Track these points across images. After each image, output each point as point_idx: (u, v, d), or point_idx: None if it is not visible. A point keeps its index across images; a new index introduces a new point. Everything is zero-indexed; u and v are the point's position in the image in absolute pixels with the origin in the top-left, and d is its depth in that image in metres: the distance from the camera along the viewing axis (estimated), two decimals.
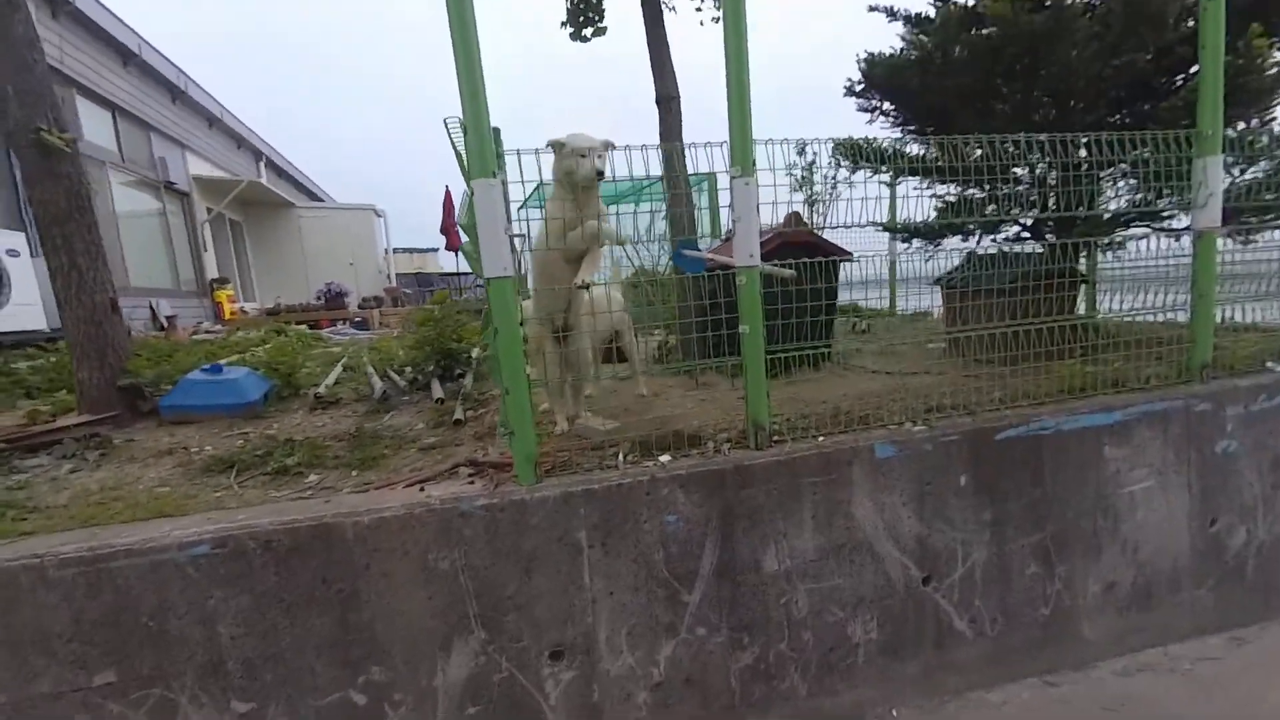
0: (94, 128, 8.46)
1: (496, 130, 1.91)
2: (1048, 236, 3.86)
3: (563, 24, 5.39)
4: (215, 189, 11.99)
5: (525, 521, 1.99)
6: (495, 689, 2.01)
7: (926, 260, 4.13)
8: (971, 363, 3.33)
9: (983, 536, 2.39)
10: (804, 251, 2.88)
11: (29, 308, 5.59)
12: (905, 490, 2.29)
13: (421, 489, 2.06)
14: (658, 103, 4.04)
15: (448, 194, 14.61)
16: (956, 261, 3.79)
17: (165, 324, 7.84)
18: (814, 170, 4.63)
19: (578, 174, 2.26)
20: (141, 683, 1.79)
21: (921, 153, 3.91)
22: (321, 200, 18.82)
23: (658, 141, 2.20)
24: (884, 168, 3.60)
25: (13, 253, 5.50)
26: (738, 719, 2.20)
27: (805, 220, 3.65)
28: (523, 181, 1.98)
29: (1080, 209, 2.97)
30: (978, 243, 4.02)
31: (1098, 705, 2.29)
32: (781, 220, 3.67)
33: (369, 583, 1.90)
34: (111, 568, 1.76)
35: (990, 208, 3.92)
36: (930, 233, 4.00)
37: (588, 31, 5.39)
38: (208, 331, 8.85)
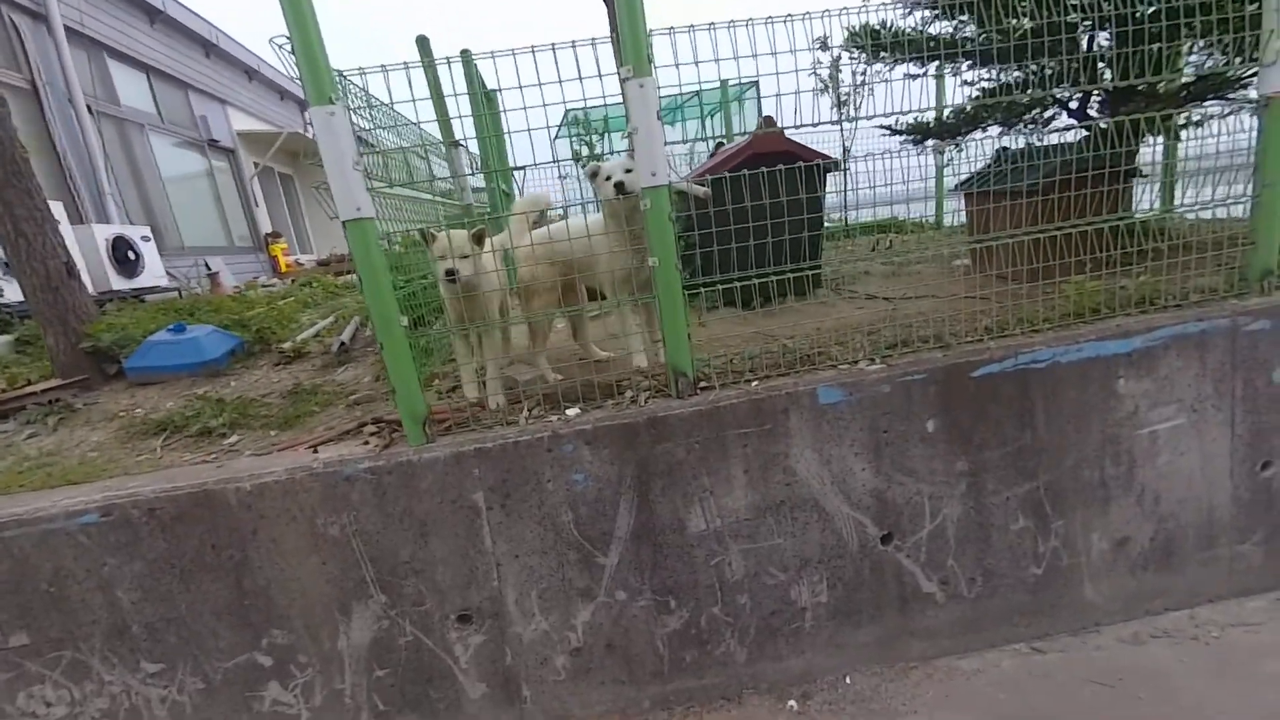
0: (130, 91, 8.70)
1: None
2: (1095, 119, 3.20)
3: None
4: (261, 142, 12.24)
5: (415, 485, 1.86)
6: (402, 652, 1.95)
7: (946, 163, 3.60)
8: (994, 280, 2.87)
9: (956, 489, 2.07)
10: (780, 161, 2.48)
11: None
12: (857, 440, 1.99)
13: (315, 451, 1.96)
14: None
15: None
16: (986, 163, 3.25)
17: (210, 281, 8.21)
18: (838, 65, 4.06)
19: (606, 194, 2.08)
20: (53, 645, 1.83)
21: (950, 32, 3.31)
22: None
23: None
24: (906, 54, 3.07)
25: (145, 238, 5.81)
26: (668, 684, 2.06)
27: (776, 123, 3.17)
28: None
29: (1146, 76, 2.36)
30: (1005, 135, 3.41)
31: (1088, 677, 1.99)
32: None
33: (258, 549, 1.84)
34: (5, 537, 1.77)
35: (1029, 93, 3.30)
36: (948, 129, 3.43)
37: None
38: (263, 286, 9.24)
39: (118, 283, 6.65)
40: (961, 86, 3.60)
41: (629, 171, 2.04)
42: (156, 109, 9.35)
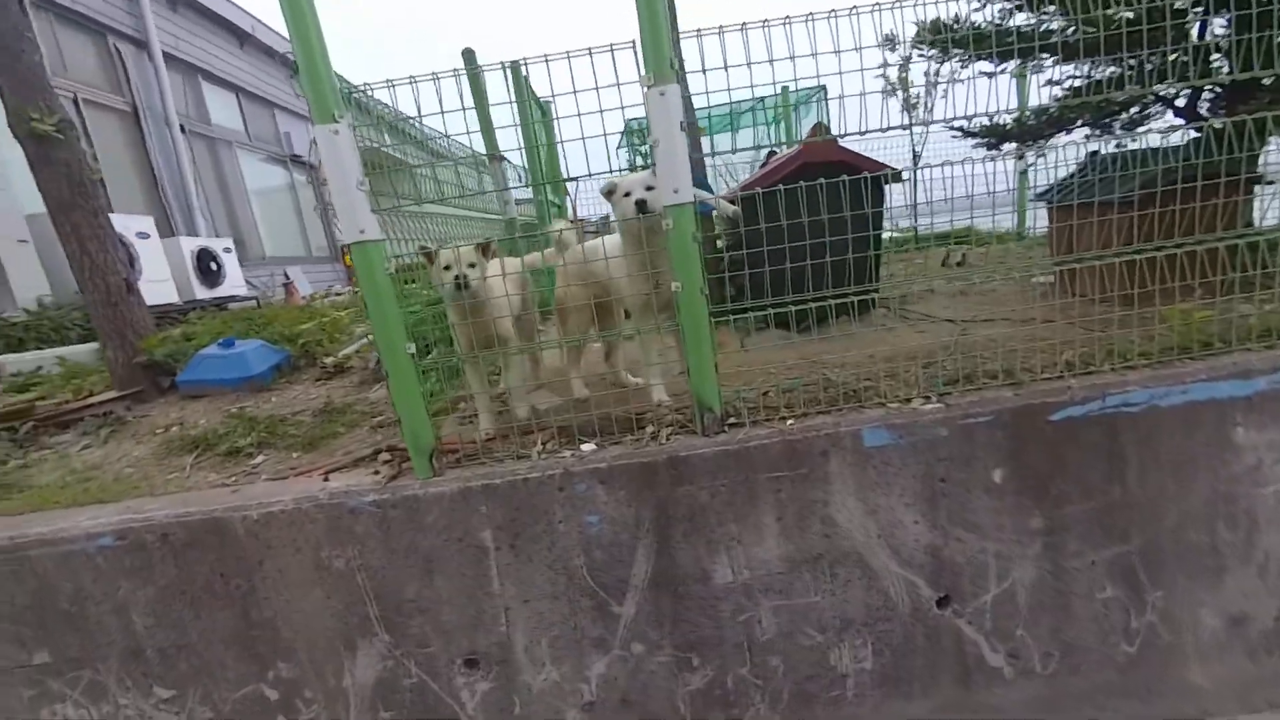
0: (220, 111, 9.30)
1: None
2: (1208, 119, 2.78)
3: None
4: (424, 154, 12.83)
5: (420, 520, 1.76)
6: (407, 694, 1.85)
7: (1024, 169, 3.27)
8: (1080, 305, 2.53)
9: (1029, 549, 1.78)
10: (832, 172, 2.25)
11: (162, 283, 6.36)
12: (909, 489, 1.75)
13: (326, 479, 1.90)
14: None
15: None
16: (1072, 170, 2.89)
17: (285, 290, 8.63)
18: (907, 64, 3.76)
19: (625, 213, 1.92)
20: (72, 664, 1.85)
21: (1032, 24, 2.98)
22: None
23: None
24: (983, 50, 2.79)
25: (142, 234, 6.22)
26: None
27: (828, 131, 2.93)
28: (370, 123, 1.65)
29: (1274, 66, 1.99)
30: (1095, 138, 3.02)
31: None
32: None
33: (265, 580, 1.79)
34: (31, 555, 1.80)
35: (1126, 90, 2.91)
36: (1029, 131, 3.07)
37: None
38: (336, 294, 9.65)
39: (200, 292, 7.07)
40: (1045, 86, 3.25)
41: (650, 189, 1.88)
42: (244, 127, 9.96)
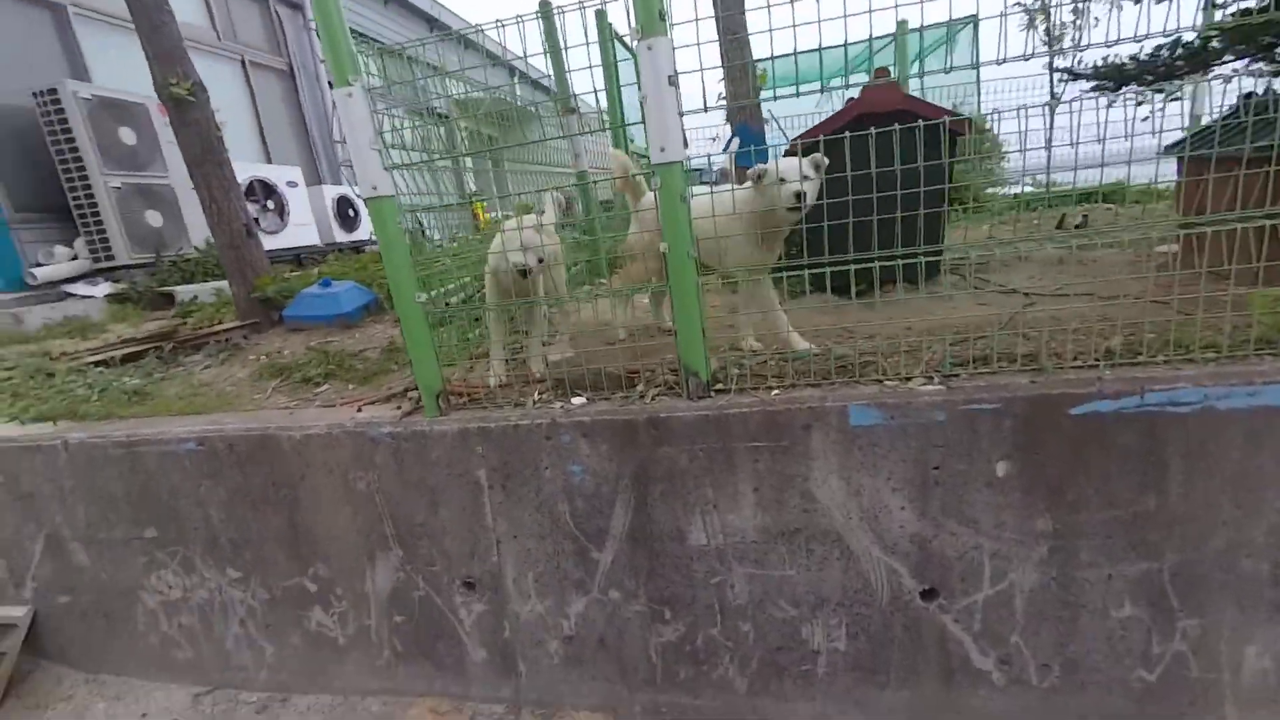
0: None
1: (360, 33, 1.70)
2: None
3: None
4: (472, 107, 13.56)
5: (426, 454, 1.95)
6: (416, 605, 2.09)
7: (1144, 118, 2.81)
8: (1208, 279, 2.16)
9: (1032, 552, 1.63)
10: (893, 121, 2.07)
11: (305, 227, 7.21)
12: (897, 473, 1.65)
13: (359, 410, 2.14)
14: None
15: None
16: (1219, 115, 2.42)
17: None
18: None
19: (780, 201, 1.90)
20: (171, 541, 2.28)
21: None
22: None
23: None
24: None
25: (291, 184, 7.05)
26: (660, 694, 1.96)
27: (893, 78, 2.63)
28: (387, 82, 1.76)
29: None
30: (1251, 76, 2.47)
31: None
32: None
33: (305, 492, 2.09)
34: (141, 452, 2.22)
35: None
36: (1161, 70, 2.57)
37: None
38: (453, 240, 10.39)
39: (340, 235, 7.91)
40: (1204, 10, 2.69)
41: (808, 179, 1.87)
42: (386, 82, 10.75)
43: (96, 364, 3.07)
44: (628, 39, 4.52)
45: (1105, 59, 2.53)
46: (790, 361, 1.84)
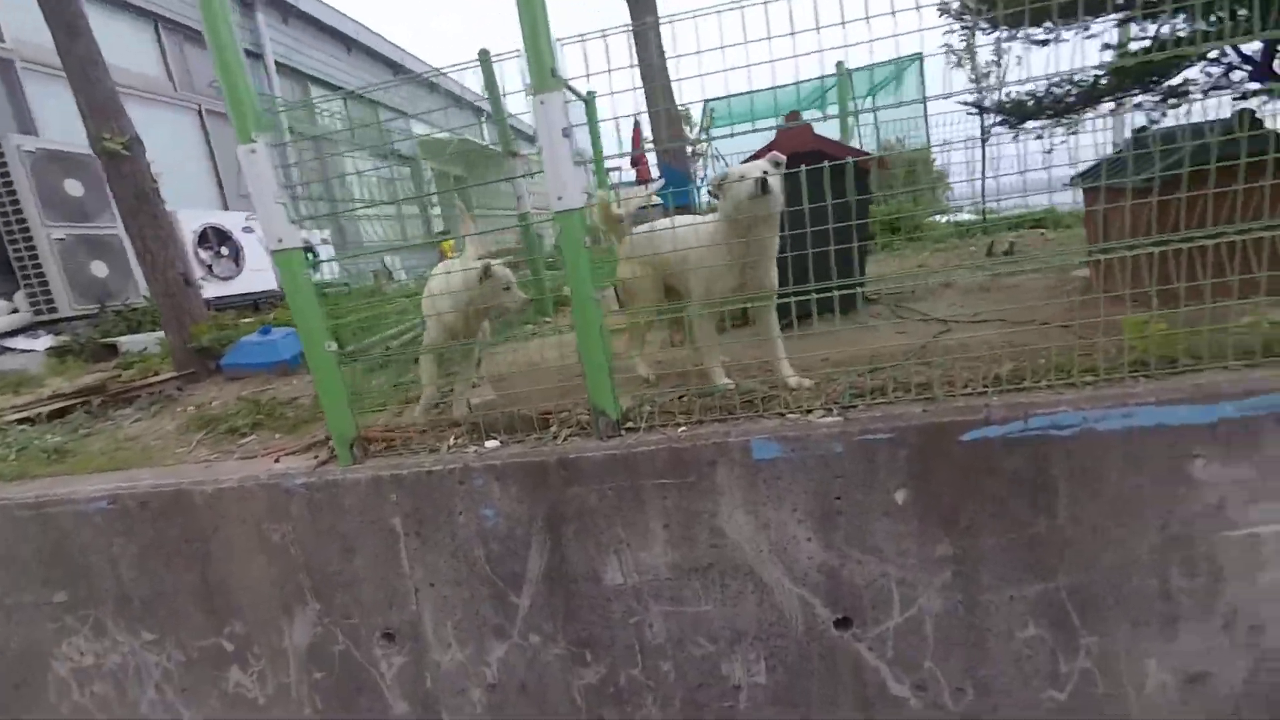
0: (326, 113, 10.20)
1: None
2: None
3: None
4: (437, 149, 13.72)
5: (340, 503, 1.92)
6: (336, 659, 2.04)
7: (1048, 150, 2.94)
8: (1110, 303, 2.23)
9: (936, 578, 1.65)
10: (806, 162, 2.15)
11: (261, 272, 7.17)
12: (801, 505, 1.67)
13: (277, 460, 2.11)
14: None
15: (636, 127, 14.69)
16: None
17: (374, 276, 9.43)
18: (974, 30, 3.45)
19: (742, 199, 1.84)
20: (82, 604, 2.19)
21: None
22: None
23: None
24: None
25: (247, 229, 7.03)
26: None
27: (803, 118, 2.74)
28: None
29: None
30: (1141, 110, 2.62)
31: None
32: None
33: (218, 546, 2.04)
34: (52, 513, 2.15)
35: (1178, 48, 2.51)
36: (1062, 105, 2.72)
37: None
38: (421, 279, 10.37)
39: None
40: (1102, 51, 2.87)
41: (768, 174, 1.83)
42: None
43: (20, 421, 2.99)
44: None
45: (1009, 95, 2.67)
46: (697, 398, 1.87)
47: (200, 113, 7.51)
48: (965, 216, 4.89)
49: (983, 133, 4.16)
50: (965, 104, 2.91)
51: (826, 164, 1.79)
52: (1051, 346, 1.70)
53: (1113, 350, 1.66)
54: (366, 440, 2.00)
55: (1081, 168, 2.66)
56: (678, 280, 2.18)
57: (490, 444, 1.90)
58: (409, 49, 12.79)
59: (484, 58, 3.76)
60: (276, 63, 8.69)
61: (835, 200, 1.92)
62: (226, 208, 7.70)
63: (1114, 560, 1.57)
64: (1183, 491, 1.52)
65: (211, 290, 7.57)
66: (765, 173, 1.81)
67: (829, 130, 5.89)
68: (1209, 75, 2.62)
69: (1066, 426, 1.53)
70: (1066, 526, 1.57)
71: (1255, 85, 2.44)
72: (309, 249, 6.48)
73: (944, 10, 3.23)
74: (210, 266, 7.14)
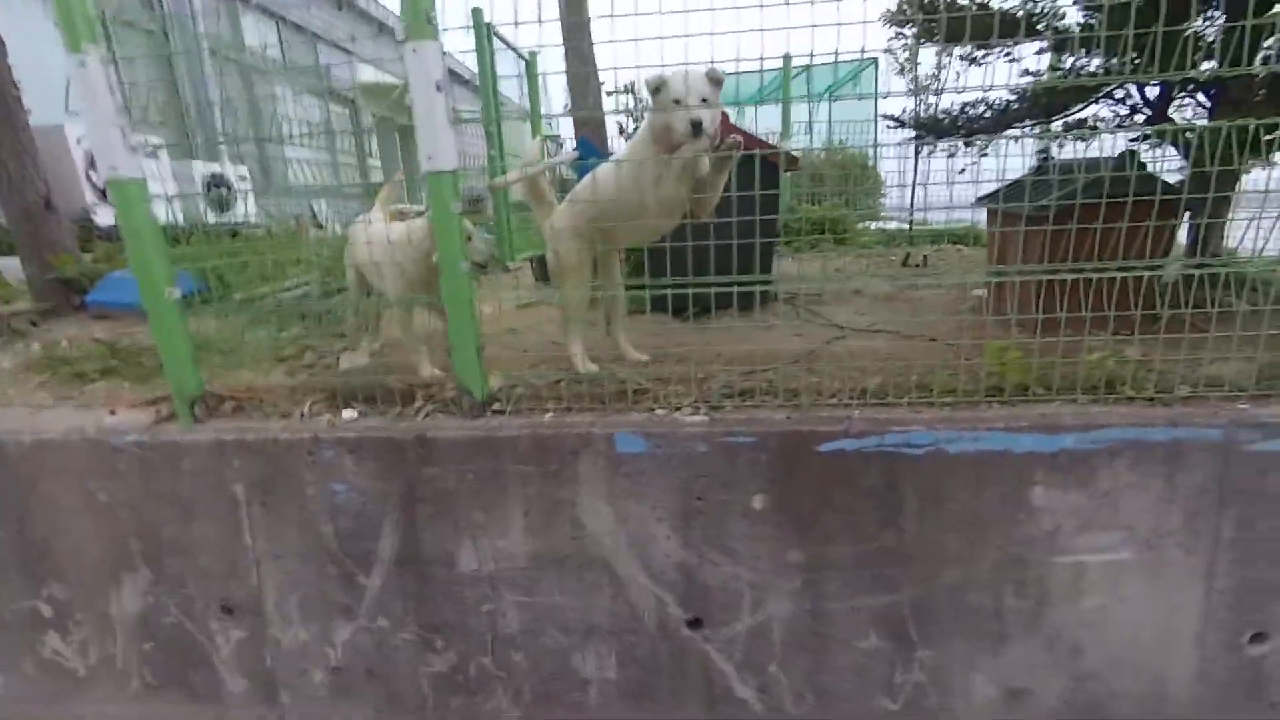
0: (256, 39, 9.48)
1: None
2: (1183, 125, 2.41)
3: None
4: (381, 95, 12.99)
5: (178, 465, 1.77)
6: (167, 631, 1.90)
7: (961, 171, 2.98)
8: (999, 326, 2.28)
9: (787, 584, 1.66)
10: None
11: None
12: (661, 502, 1.64)
13: (112, 413, 1.93)
14: None
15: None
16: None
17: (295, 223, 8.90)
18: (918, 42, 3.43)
19: (676, 130, 1.67)
20: None
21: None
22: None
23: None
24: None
25: (152, 154, 6.47)
26: None
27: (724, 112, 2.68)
28: None
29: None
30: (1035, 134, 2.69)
31: None
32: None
33: (39, 502, 1.85)
34: None
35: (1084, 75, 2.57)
36: (973, 126, 2.76)
37: None
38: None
39: (210, 217, 7.33)
40: (1023, 77, 2.91)
41: (706, 102, 1.65)
42: (281, 56, 10.13)
43: None
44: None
45: (924, 111, 2.69)
46: (568, 384, 1.80)
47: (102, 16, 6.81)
48: (894, 225, 4.97)
49: (916, 143, 4.22)
50: (886, 116, 2.90)
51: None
52: (918, 364, 1.72)
53: (975, 374, 1.68)
54: (219, 399, 1.84)
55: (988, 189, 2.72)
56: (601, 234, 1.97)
57: (348, 414, 1.78)
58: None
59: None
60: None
61: (739, 193, 1.88)
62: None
63: (954, 578, 1.61)
64: (1022, 516, 1.56)
65: (107, 218, 6.96)
66: (703, 99, 1.67)
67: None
68: (1115, 114, 2.71)
69: (919, 445, 1.54)
70: (912, 542, 1.60)
71: (1148, 129, 2.53)
72: (220, 183, 6.13)
73: (892, 21, 3.22)
74: (104, 192, 6.54)
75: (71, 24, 1.49)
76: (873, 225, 5.60)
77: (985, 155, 2.81)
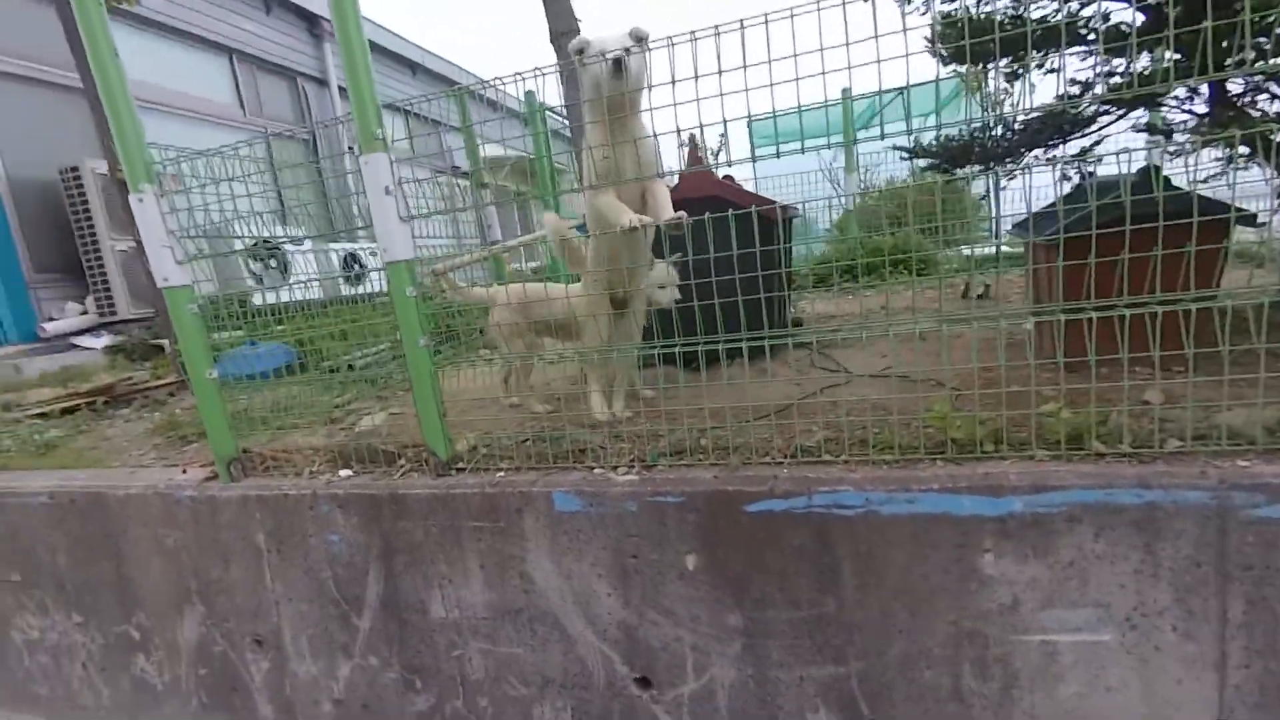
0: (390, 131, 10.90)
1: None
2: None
3: None
4: (497, 166, 14.35)
5: (218, 517, 2.10)
6: (216, 658, 2.22)
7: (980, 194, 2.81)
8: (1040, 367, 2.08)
9: (728, 647, 1.62)
10: (705, 208, 2.13)
11: (307, 284, 7.80)
12: (600, 560, 1.69)
13: (184, 471, 2.34)
14: (552, 41, 3.44)
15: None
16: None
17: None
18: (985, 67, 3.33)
19: (601, 80, 1.73)
20: (29, 585, 2.50)
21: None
22: None
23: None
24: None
25: (296, 241, 7.67)
26: None
27: (707, 156, 2.69)
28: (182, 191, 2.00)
29: None
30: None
31: None
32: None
33: (128, 544, 2.27)
34: (7, 503, 2.47)
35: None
36: (999, 150, 2.55)
37: None
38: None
39: (345, 290, 8.47)
40: (1072, 87, 2.68)
41: (630, 52, 1.67)
42: (410, 144, 11.56)
43: (36, 416, 3.42)
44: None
45: (937, 138, 2.55)
46: (534, 443, 1.92)
47: (266, 136, 8.25)
48: (967, 251, 4.62)
49: (991, 164, 3.93)
50: (897, 148, 2.77)
51: (708, 213, 1.74)
52: (874, 417, 1.63)
53: (914, 428, 1.57)
54: (260, 457, 2.18)
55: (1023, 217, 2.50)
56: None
57: (344, 472, 2.03)
58: (467, 66, 13.46)
59: (460, 91, 3.99)
60: (340, 87, 9.40)
61: (741, 251, 1.89)
62: (284, 222, 8.41)
63: (903, 651, 1.48)
64: (973, 587, 1.42)
65: (257, 299, 8.24)
66: (628, 50, 1.67)
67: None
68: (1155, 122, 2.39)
69: (849, 506, 1.47)
70: (854, 610, 1.50)
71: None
72: (355, 260, 6.90)
73: (931, 46, 3.11)
74: (260, 277, 7.82)
75: (133, 169, 1.92)
76: (965, 251, 5.25)
77: (1012, 178, 2.61)
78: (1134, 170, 1.99)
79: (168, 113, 6.88)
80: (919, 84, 1.65)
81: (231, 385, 3.73)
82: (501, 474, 1.82)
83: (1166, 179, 1.91)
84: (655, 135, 1.96)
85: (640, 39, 1.74)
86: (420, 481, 1.88)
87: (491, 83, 1.81)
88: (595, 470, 1.74)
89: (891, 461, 1.51)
